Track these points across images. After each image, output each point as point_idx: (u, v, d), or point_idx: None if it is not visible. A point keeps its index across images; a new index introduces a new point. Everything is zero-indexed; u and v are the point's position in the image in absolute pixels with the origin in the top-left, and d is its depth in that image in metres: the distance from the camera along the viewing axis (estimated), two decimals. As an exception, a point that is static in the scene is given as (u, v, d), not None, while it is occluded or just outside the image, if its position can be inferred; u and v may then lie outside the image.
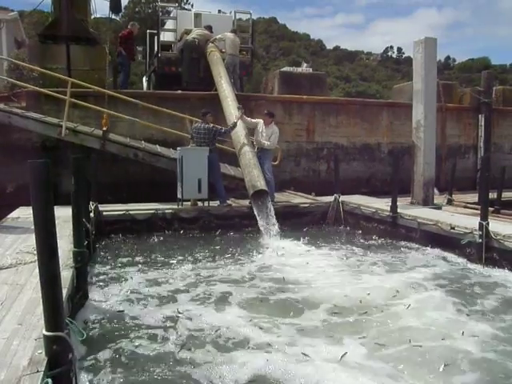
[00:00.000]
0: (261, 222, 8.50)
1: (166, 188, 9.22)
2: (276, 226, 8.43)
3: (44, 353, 2.89)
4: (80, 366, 3.44)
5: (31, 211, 2.87)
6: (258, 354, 3.90)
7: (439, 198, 10.20)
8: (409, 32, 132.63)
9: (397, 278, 5.97)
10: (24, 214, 7.32)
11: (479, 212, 6.92)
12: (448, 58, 57.19)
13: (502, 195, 9.59)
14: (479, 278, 6.07)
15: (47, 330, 2.87)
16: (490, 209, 7.24)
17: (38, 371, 2.74)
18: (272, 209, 8.67)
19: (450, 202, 10.08)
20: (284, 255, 7.12)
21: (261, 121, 9.71)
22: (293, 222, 9.22)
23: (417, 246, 7.73)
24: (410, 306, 4.92)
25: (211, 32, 12.36)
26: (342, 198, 9.75)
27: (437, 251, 7.31)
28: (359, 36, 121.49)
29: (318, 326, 4.52)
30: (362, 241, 8.38)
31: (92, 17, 13.42)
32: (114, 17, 13.26)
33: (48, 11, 13.52)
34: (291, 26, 57.62)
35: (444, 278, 6.02)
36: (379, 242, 8.27)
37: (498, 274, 6.20)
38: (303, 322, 4.61)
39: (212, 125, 9.17)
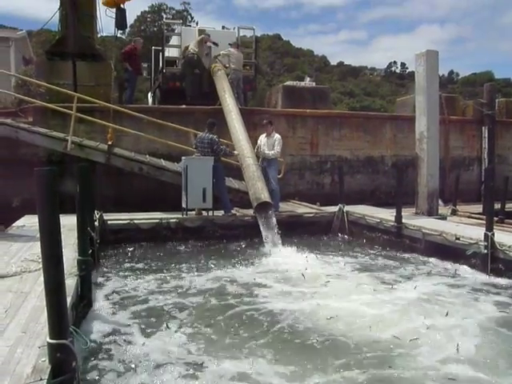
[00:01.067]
0: (265, 234, 8.52)
1: (171, 202, 9.26)
2: (279, 237, 8.45)
3: (48, 360, 2.90)
4: (83, 374, 3.43)
5: (36, 219, 2.91)
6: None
7: (443, 209, 10.18)
8: (412, 48, 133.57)
9: (401, 291, 5.91)
10: (29, 223, 7.38)
11: (483, 222, 6.91)
12: (451, 72, 57.62)
13: (506, 205, 9.55)
14: (486, 288, 6.02)
15: (51, 338, 2.89)
16: (495, 219, 7.21)
17: (41, 379, 2.73)
18: (275, 220, 8.69)
19: (454, 213, 10.06)
20: (287, 266, 7.08)
21: (262, 135, 9.80)
22: (297, 231, 9.22)
23: (421, 256, 7.68)
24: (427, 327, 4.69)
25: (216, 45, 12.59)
26: (347, 208, 9.77)
27: (441, 262, 7.27)
28: (362, 52, 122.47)
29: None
30: (365, 251, 8.34)
31: (98, 35, 13.66)
32: (119, 34, 13.52)
33: (55, 31, 13.76)
34: (295, 42, 58.35)
35: (449, 289, 5.97)
36: (383, 252, 8.22)
37: (504, 283, 6.15)
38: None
39: (216, 136, 9.24)
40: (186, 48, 12.69)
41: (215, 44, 12.75)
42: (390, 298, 5.51)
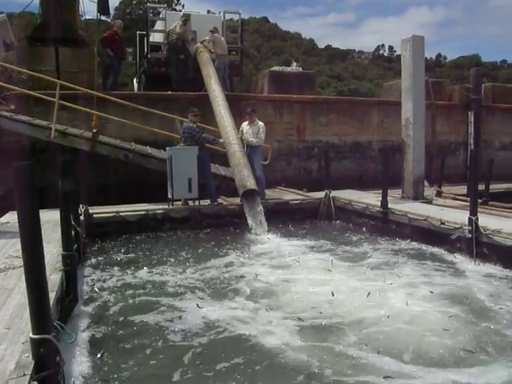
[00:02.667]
0: (251, 221, 8.53)
1: (157, 189, 9.20)
2: (265, 224, 8.48)
3: (31, 356, 2.87)
4: (69, 369, 3.42)
5: (20, 215, 2.86)
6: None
7: (429, 191, 10.28)
8: (400, 30, 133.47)
9: (388, 274, 5.98)
10: (13, 219, 7.14)
11: (468, 204, 6.98)
12: (439, 55, 57.50)
13: (490, 187, 9.66)
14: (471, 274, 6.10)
15: (34, 333, 2.86)
16: (479, 201, 7.29)
17: (24, 375, 2.72)
18: (261, 208, 8.70)
19: (439, 194, 10.17)
20: (272, 254, 7.12)
21: (243, 123, 9.76)
22: (284, 218, 9.24)
23: (407, 241, 7.77)
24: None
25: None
26: (333, 193, 9.81)
27: (427, 246, 7.37)
28: (351, 35, 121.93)
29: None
30: (351, 236, 8.40)
31: (82, 19, 13.35)
32: (104, 18, 13.22)
33: (37, 13, 13.44)
34: (283, 25, 57.78)
35: (434, 275, 6.05)
36: (370, 237, 8.29)
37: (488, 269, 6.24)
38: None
39: (196, 125, 9.15)
40: (169, 33, 12.48)
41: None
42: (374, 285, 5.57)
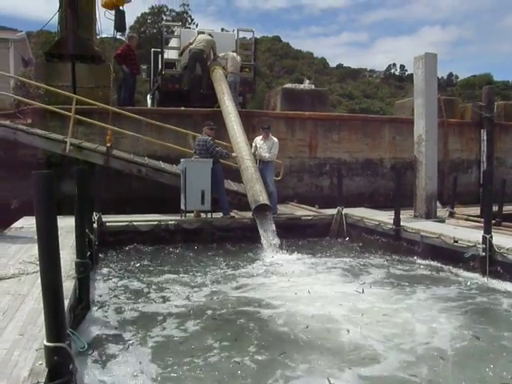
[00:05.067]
0: (263, 236, 8.53)
1: (170, 203, 9.27)
2: (277, 240, 8.46)
3: (45, 364, 2.88)
4: (81, 377, 3.42)
5: (35, 221, 2.91)
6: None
7: (441, 212, 10.19)
8: (413, 50, 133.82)
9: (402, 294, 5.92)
10: (27, 224, 7.38)
11: (481, 225, 6.92)
12: (451, 74, 57.47)
13: (503, 208, 9.57)
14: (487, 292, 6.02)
15: (48, 341, 2.87)
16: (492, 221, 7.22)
17: (38, 382, 2.72)
18: (273, 223, 8.70)
19: (451, 215, 10.09)
20: (284, 269, 7.09)
21: (257, 138, 9.82)
22: (295, 234, 9.24)
23: (420, 259, 7.69)
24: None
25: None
26: (345, 210, 9.78)
27: (439, 265, 7.29)
28: (364, 54, 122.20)
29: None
30: (363, 254, 8.34)
31: (98, 37, 13.65)
32: (119, 36, 13.48)
33: (55, 32, 13.77)
34: (295, 44, 58.31)
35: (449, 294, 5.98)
36: (381, 255, 8.23)
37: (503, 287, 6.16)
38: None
39: (210, 138, 9.22)
40: (190, 44, 12.61)
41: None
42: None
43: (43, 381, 2.75)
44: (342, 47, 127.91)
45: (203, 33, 13.11)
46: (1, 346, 3.19)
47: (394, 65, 63.18)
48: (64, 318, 3.02)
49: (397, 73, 62.14)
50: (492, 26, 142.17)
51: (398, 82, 56.67)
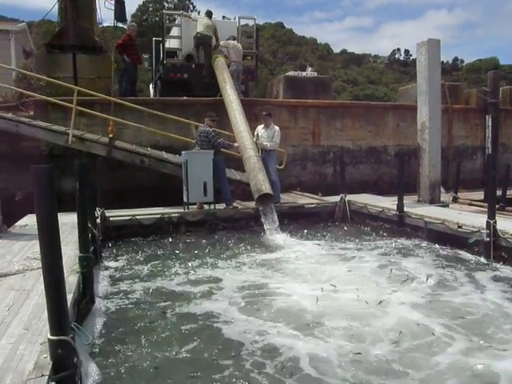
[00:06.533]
0: (266, 225, 8.55)
1: (173, 194, 9.27)
2: (279, 229, 8.49)
3: (49, 357, 2.92)
4: (85, 370, 3.46)
5: (37, 218, 2.91)
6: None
7: (445, 196, 10.19)
8: (418, 34, 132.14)
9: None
10: (32, 222, 7.39)
11: (484, 209, 6.91)
12: (456, 59, 56.93)
13: (507, 193, 9.53)
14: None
15: (52, 335, 2.91)
16: (496, 206, 7.21)
17: (42, 375, 2.77)
18: (275, 212, 8.70)
19: (455, 200, 10.08)
20: (288, 257, 7.14)
21: (259, 127, 9.78)
22: (299, 222, 9.25)
23: (424, 244, 7.69)
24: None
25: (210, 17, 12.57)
26: (349, 197, 9.78)
27: (444, 250, 7.30)
28: (368, 39, 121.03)
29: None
30: (368, 239, 8.34)
31: (99, 26, 13.55)
32: (120, 25, 13.36)
33: (56, 21, 13.68)
34: (298, 30, 57.78)
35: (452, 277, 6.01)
36: (385, 240, 8.21)
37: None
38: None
39: (211, 129, 9.20)
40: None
41: None
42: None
43: (48, 374, 2.79)
44: (346, 32, 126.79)
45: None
46: (6, 341, 3.24)
47: (399, 50, 62.59)
48: (67, 311, 3.05)
49: (401, 58, 61.57)
50: (499, 8, 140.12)
51: (402, 67, 56.18)
